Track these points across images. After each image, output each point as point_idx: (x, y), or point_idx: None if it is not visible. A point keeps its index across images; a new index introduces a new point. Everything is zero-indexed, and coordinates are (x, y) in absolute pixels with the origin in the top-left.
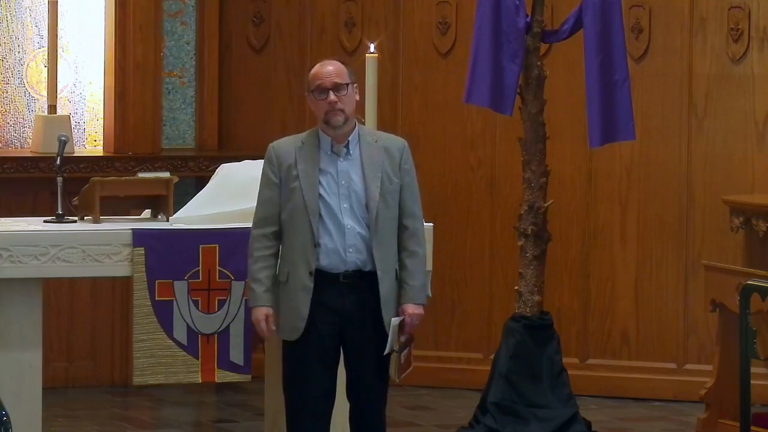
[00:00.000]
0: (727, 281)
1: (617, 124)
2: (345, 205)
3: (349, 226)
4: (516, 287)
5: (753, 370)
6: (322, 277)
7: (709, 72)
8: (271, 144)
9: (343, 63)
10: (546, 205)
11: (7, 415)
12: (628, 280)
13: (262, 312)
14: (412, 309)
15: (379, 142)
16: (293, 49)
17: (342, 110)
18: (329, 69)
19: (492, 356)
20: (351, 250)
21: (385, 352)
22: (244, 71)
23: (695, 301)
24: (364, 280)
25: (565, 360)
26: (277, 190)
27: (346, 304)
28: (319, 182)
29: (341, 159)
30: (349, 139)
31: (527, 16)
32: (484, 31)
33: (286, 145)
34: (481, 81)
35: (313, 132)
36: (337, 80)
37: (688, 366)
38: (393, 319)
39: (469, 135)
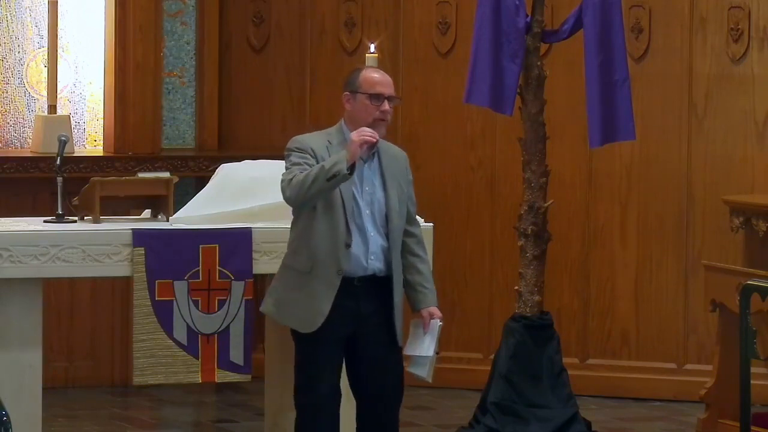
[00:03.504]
0: (727, 281)
1: (617, 124)
2: (367, 212)
3: (371, 234)
4: (516, 287)
5: (753, 370)
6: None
7: (709, 72)
8: (295, 138)
9: None
10: (546, 205)
11: (7, 415)
12: (628, 280)
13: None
14: (439, 311)
15: (389, 151)
16: (293, 49)
17: (387, 121)
18: (387, 78)
19: (492, 356)
20: (372, 257)
21: (431, 354)
22: (244, 71)
23: (695, 301)
24: (376, 284)
25: (565, 360)
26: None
27: (361, 308)
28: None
29: (366, 166)
30: (377, 147)
31: (527, 16)
32: (484, 31)
33: (315, 139)
34: (481, 81)
35: (338, 133)
36: (393, 92)
37: (688, 366)
38: (433, 321)
39: (469, 135)
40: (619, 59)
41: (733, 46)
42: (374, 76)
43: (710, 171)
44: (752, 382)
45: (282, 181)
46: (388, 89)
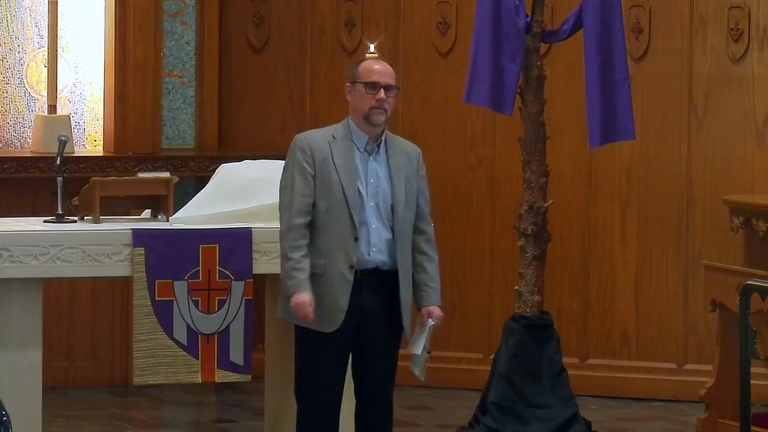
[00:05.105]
0: (727, 281)
1: (617, 124)
2: (371, 204)
3: (374, 226)
4: (516, 287)
5: (753, 370)
6: None
7: (709, 72)
8: (299, 135)
9: None
10: (546, 205)
11: (7, 415)
12: (628, 280)
13: (308, 297)
14: (438, 311)
15: (400, 146)
16: (293, 49)
17: (386, 110)
18: (385, 68)
19: (492, 356)
20: (374, 249)
21: (420, 353)
22: (244, 71)
23: (695, 301)
24: (380, 278)
25: (565, 360)
26: (312, 183)
27: (364, 302)
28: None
29: (371, 158)
30: (381, 139)
31: (527, 16)
32: (484, 31)
33: (317, 137)
34: (481, 81)
35: (343, 128)
36: (390, 81)
37: (688, 366)
38: (429, 320)
39: (469, 135)
40: (619, 59)
41: (733, 46)
42: (373, 66)
43: (710, 171)
44: (752, 382)
45: (281, 216)
46: (385, 78)
